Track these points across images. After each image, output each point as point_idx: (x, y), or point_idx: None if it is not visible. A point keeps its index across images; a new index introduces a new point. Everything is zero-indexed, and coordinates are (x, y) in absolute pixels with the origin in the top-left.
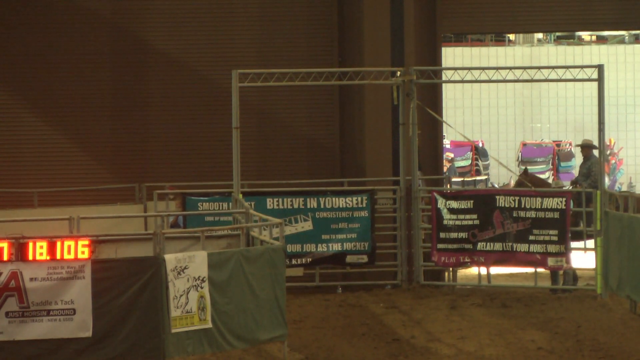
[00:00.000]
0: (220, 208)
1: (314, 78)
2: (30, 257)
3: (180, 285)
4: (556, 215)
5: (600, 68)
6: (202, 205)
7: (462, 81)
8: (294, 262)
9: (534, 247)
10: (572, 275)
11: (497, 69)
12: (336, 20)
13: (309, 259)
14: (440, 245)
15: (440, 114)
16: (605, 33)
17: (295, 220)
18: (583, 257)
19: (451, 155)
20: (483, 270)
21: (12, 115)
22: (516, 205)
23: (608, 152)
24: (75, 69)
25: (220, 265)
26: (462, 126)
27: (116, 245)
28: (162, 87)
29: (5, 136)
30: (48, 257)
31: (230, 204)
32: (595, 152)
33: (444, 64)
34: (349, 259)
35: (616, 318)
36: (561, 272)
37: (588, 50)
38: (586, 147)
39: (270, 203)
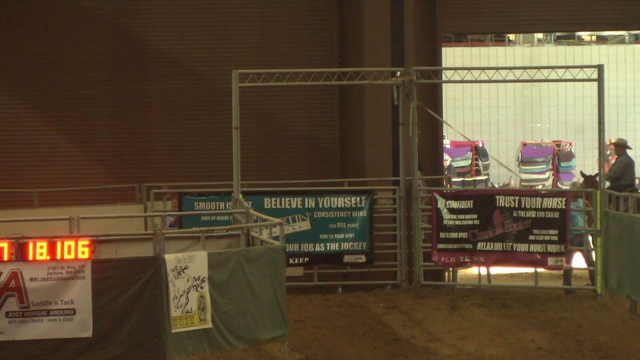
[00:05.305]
0: (217, 207)
1: (314, 78)
2: (31, 257)
3: (181, 285)
4: (556, 215)
5: (600, 68)
6: (198, 204)
7: (462, 81)
8: (291, 261)
9: (534, 247)
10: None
11: (497, 69)
12: (336, 20)
13: (306, 258)
14: (440, 245)
15: (440, 114)
16: (605, 33)
17: (292, 219)
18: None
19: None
20: (483, 270)
21: (12, 115)
22: (516, 205)
23: (608, 152)
24: (75, 68)
25: (220, 265)
26: (462, 126)
27: (116, 245)
28: (162, 87)
29: (5, 136)
30: (48, 257)
31: (227, 203)
32: (629, 152)
33: (444, 64)
34: (347, 258)
35: (616, 318)
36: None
37: (588, 50)
38: (619, 147)
39: (268, 202)
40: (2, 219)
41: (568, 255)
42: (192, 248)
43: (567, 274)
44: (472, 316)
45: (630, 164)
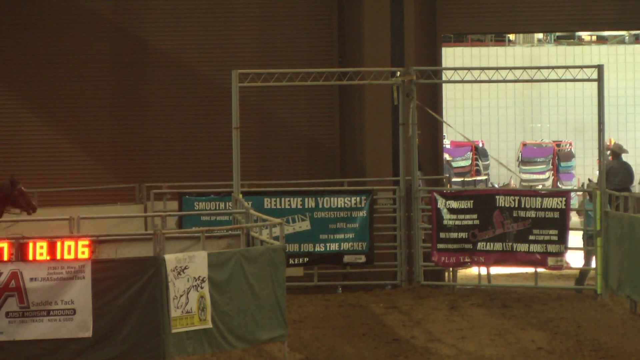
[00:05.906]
0: (217, 208)
1: (314, 78)
2: (31, 257)
3: (181, 285)
4: (556, 215)
5: (600, 68)
6: (198, 204)
7: (462, 81)
8: (291, 261)
9: (534, 247)
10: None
11: (497, 69)
12: (336, 20)
13: (306, 259)
14: (440, 245)
15: (440, 114)
16: (605, 33)
17: (292, 219)
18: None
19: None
20: (483, 270)
21: (12, 115)
22: (516, 205)
23: (608, 152)
24: (75, 69)
25: (220, 265)
26: (462, 126)
27: (116, 245)
28: (162, 87)
29: (5, 136)
30: (48, 257)
31: (227, 203)
32: (624, 157)
33: (444, 64)
34: (347, 258)
35: (616, 318)
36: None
37: (588, 50)
38: (613, 152)
39: (268, 203)
40: (2, 219)
41: (586, 255)
42: (192, 248)
43: (583, 274)
44: (472, 316)
45: (615, 169)
